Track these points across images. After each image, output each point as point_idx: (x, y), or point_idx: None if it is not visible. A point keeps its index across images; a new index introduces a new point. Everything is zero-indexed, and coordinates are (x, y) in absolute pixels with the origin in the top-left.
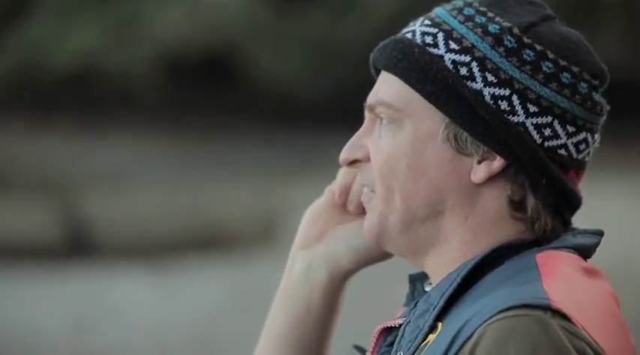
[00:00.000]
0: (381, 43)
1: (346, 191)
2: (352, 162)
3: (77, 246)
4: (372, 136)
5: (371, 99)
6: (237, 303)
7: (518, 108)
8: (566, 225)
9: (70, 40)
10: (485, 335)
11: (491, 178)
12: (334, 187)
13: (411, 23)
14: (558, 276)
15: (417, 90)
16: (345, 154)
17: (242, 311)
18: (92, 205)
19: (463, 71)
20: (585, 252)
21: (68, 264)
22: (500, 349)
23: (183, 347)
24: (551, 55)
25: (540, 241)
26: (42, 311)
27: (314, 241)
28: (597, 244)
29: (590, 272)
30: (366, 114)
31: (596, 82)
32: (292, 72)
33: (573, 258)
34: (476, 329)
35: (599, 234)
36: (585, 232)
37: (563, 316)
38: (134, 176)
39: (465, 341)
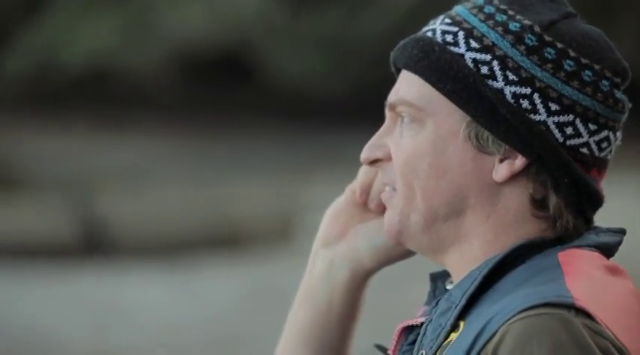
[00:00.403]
0: (402, 42)
1: (367, 189)
2: (373, 162)
3: (93, 245)
4: (393, 135)
5: (392, 98)
6: (254, 302)
7: (540, 106)
8: (588, 223)
9: (85, 39)
10: (508, 334)
11: (513, 177)
12: (355, 186)
13: (431, 22)
14: (581, 275)
15: (438, 89)
16: (366, 153)
17: (258, 309)
18: (107, 204)
19: (484, 70)
20: (608, 251)
21: (83, 263)
22: (524, 348)
23: (199, 347)
24: (572, 53)
25: (562, 239)
26: (57, 311)
27: (335, 240)
28: (620, 243)
29: (614, 271)
30: (387, 113)
31: (617, 80)
32: (308, 70)
33: (596, 256)
34: (499, 328)
35: (622, 232)
36: (608, 231)
37: (587, 315)
38: (149, 174)
39: (488, 340)
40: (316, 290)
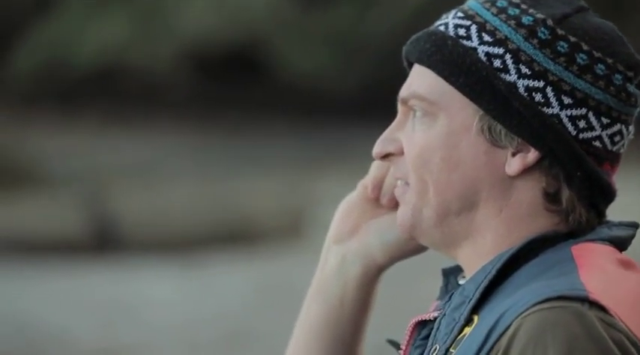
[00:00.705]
0: (414, 36)
1: (379, 185)
2: (385, 156)
3: (103, 241)
4: (405, 129)
5: (404, 92)
6: (264, 298)
7: (553, 100)
8: (600, 217)
9: (96, 36)
10: (521, 328)
11: (526, 170)
12: (367, 181)
13: (444, 16)
14: (595, 268)
15: (451, 82)
16: (378, 148)
17: (269, 305)
18: (118, 200)
19: (497, 63)
20: (621, 245)
21: (94, 259)
22: (538, 341)
23: (210, 343)
24: (585, 47)
25: (575, 233)
26: (68, 306)
27: (347, 236)
28: (632, 236)
29: (627, 265)
30: (399, 107)
31: (630, 74)
32: (317, 66)
33: (609, 250)
34: (512, 322)
35: (635, 226)
36: (620, 224)
37: (601, 308)
38: (159, 171)
39: (502, 334)
40: (328, 285)
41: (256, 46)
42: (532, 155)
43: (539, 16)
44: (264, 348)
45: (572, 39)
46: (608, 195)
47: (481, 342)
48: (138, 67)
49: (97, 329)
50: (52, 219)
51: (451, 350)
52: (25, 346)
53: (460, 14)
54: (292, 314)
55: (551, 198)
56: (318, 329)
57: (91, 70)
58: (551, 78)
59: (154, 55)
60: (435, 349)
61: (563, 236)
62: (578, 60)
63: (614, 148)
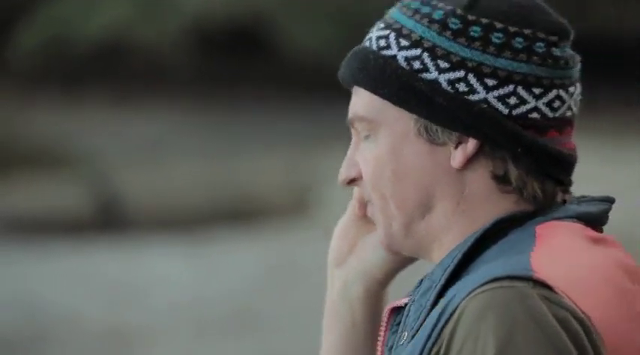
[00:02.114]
0: (345, 58)
1: (364, 202)
2: (351, 181)
3: (109, 221)
4: (359, 151)
5: (349, 114)
6: (270, 276)
7: (477, 85)
8: (562, 185)
9: (101, 14)
10: (466, 310)
11: (471, 160)
12: (354, 201)
13: (370, 29)
14: (552, 246)
15: (380, 95)
16: (342, 176)
17: (274, 283)
18: (124, 179)
19: (416, 65)
20: (593, 221)
21: (100, 239)
22: (480, 322)
23: (216, 321)
24: (499, 25)
25: (542, 212)
26: (74, 286)
27: (346, 256)
28: (606, 211)
29: (596, 241)
30: (351, 129)
31: (554, 38)
32: (322, 43)
33: (576, 227)
34: (459, 304)
35: (609, 200)
36: (592, 200)
37: (547, 286)
38: (166, 149)
39: (450, 316)
40: (337, 309)
41: (260, 24)
42: (471, 144)
43: (449, 7)
44: (271, 326)
45: (485, 21)
46: (561, 162)
47: (432, 326)
48: (142, 45)
49: (103, 309)
50: (59, 199)
51: None
52: (32, 326)
53: (382, 25)
54: (297, 292)
55: (502, 179)
56: (338, 352)
57: (97, 48)
58: (470, 65)
59: (158, 33)
60: (404, 335)
61: (529, 215)
62: (494, 39)
63: (557, 114)
